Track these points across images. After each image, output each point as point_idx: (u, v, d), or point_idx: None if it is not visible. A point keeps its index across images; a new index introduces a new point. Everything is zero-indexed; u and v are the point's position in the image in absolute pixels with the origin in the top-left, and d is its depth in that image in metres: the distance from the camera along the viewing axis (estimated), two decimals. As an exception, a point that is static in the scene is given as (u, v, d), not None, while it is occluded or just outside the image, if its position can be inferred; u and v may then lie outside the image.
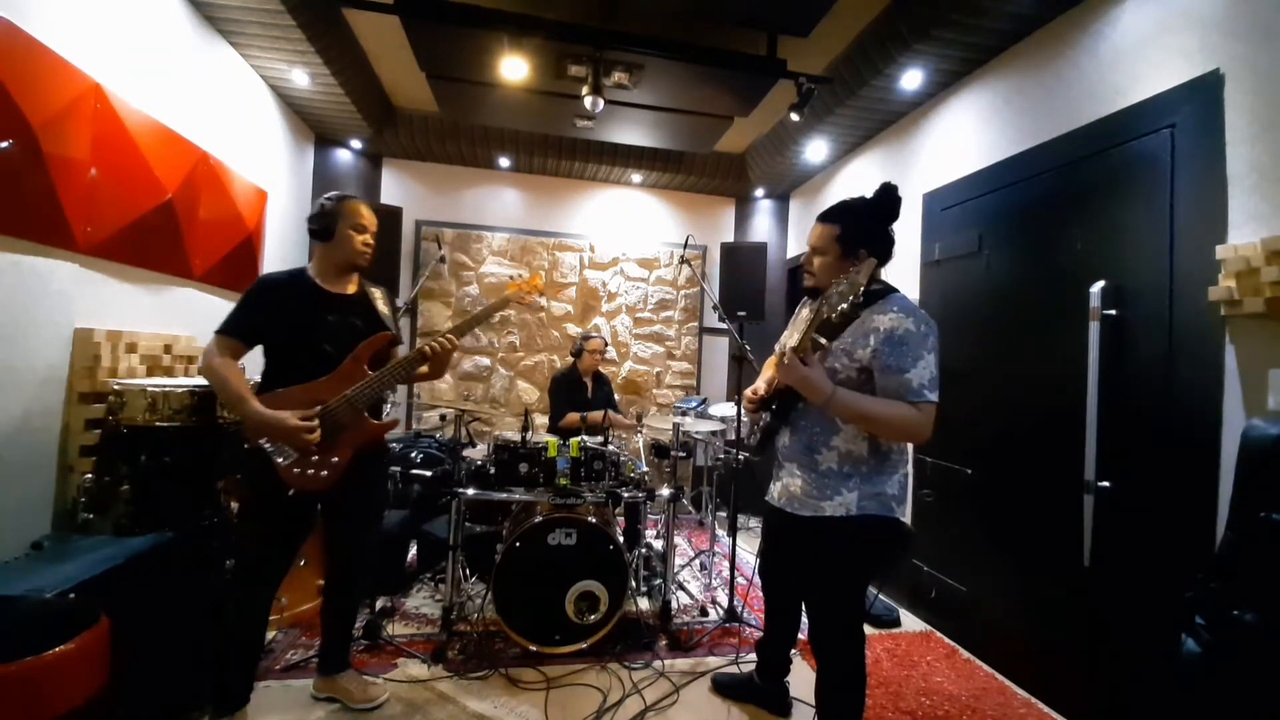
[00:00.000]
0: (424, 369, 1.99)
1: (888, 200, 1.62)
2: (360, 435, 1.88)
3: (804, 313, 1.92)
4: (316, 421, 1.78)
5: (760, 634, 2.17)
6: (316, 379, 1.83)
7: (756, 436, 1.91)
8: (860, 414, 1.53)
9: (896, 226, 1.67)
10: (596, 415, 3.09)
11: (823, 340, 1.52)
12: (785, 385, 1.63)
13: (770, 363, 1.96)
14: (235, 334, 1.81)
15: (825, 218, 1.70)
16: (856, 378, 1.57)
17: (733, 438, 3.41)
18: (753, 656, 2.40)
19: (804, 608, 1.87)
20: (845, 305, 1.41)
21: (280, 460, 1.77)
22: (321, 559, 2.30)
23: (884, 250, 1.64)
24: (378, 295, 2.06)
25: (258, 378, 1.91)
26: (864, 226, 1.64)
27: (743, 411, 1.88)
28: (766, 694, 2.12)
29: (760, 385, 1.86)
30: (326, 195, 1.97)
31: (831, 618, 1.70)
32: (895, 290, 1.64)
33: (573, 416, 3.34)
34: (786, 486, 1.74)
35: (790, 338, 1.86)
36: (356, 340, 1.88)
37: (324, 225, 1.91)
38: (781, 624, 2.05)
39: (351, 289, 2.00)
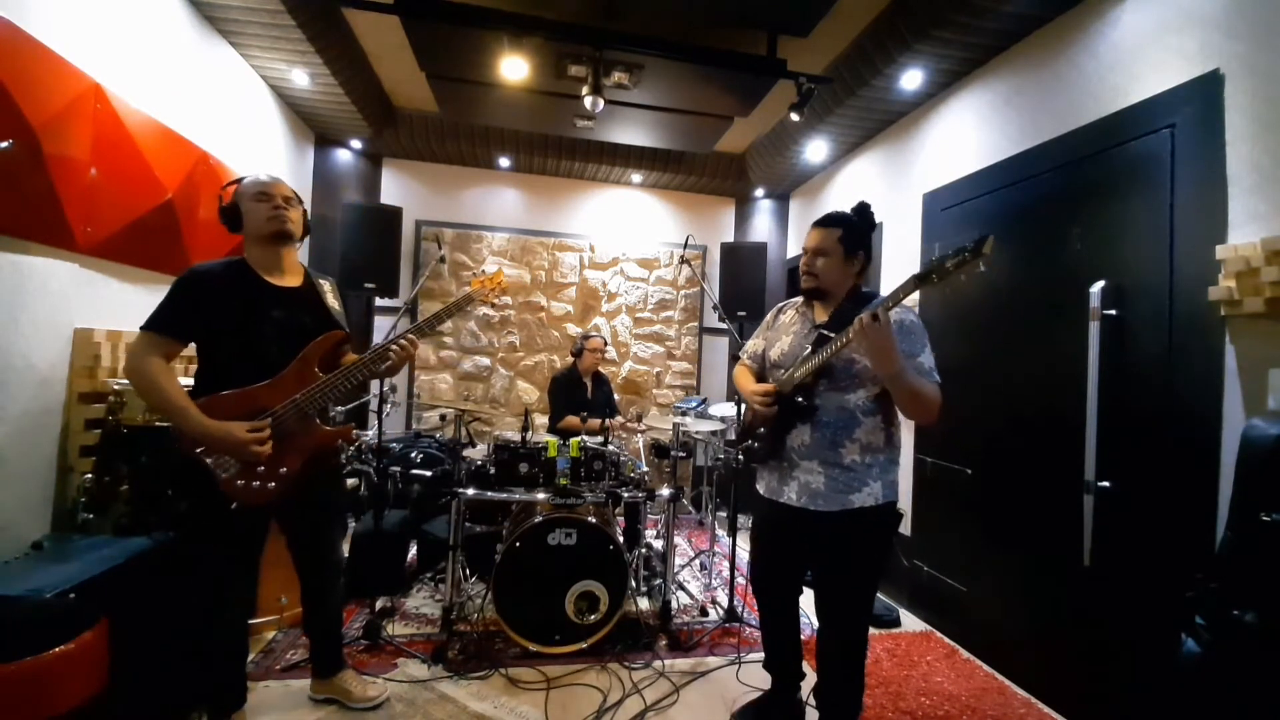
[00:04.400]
0: (383, 367, 1.85)
1: (869, 214, 1.82)
2: (310, 443, 1.74)
3: (784, 318, 1.97)
4: (267, 432, 1.63)
5: (764, 646, 2.07)
6: (260, 382, 1.67)
7: (758, 441, 1.88)
8: (913, 389, 1.58)
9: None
10: (595, 424, 3.08)
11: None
12: (808, 379, 1.71)
13: (743, 370, 2.03)
14: (165, 331, 1.63)
15: (825, 223, 1.81)
16: (872, 367, 1.65)
17: (733, 437, 3.41)
18: (752, 657, 2.40)
19: (818, 606, 1.82)
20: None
21: (221, 473, 1.61)
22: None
23: (870, 256, 1.85)
24: (327, 288, 1.91)
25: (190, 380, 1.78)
26: (860, 231, 1.79)
27: (757, 409, 1.82)
28: (784, 708, 2.03)
29: (761, 386, 1.83)
30: (225, 184, 1.83)
31: (856, 608, 1.77)
32: (878, 292, 1.86)
33: (572, 420, 3.34)
34: (806, 485, 1.74)
35: (780, 342, 1.89)
36: (304, 340, 1.73)
37: (230, 216, 1.78)
38: (786, 629, 2.00)
39: (296, 281, 1.84)
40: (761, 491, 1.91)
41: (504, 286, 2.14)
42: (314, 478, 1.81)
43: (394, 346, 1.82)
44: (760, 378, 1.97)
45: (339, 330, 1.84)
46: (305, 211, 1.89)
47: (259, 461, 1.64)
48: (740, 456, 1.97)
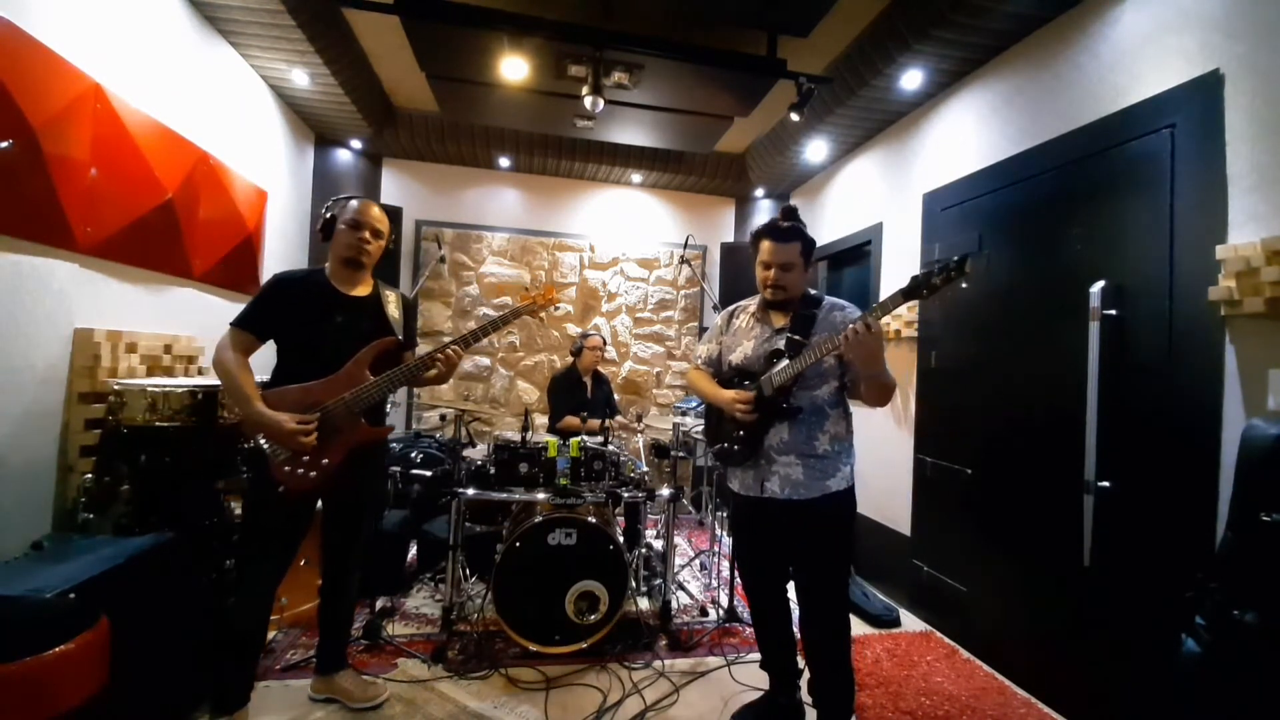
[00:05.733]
0: (428, 375, 2.00)
1: (799, 219, 1.92)
2: (352, 439, 1.88)
3: (738, 323, 2.03)
4: (315, 425, 1.79)
5: (759, 646, 2.08)
6: (318, 379, 1.84)
7: (737, 444, 1.89)
8: (886, 383, 1.73)
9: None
10: (595, 424, 3.07)
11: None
12: (789, 383, 1.77)
13: (700, 375, 2.07)
14: (248, 327, 1.85)
15: (788, 237, 1.87)
16: (835, 365, 1.84)
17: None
18: (752, 657, 2.40)
19: (801, 591, 1.88)
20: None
21: (272, 457, 1.78)
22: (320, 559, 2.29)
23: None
24: (390, 298, 2.06)
25: (267, 376, 1.91)
26: (811, 240, 1.91)
27: (738, 416, 1.84)
28: (783, 708, 2.02)
29: (738, 394, 1.84)
30: (334, 197, 2.02)
31: (838, 585, 1.88)
32: (823, 294, 1.96)
33: (571, 420, 3.34)
34: (787, 477, 1.83)
35: (743, 347, 1.94)
36: (362, 343, 1.89)
37: (323, 227, 1.97)
38: (779, 624, 2.01)
39: (364, 291, 2.00)
40: (737, 489, 1.96)
41: (555, 300, 2.21)
42: (358, 473, 1.94)
43: (439, 356, 1.94)
44: (720, 383, 2.00)
45: (392, 336, 1.97)
46: (392, 238, 2.09)
47: (305, 451, 1.79)
48: (716, 459, 2.01)
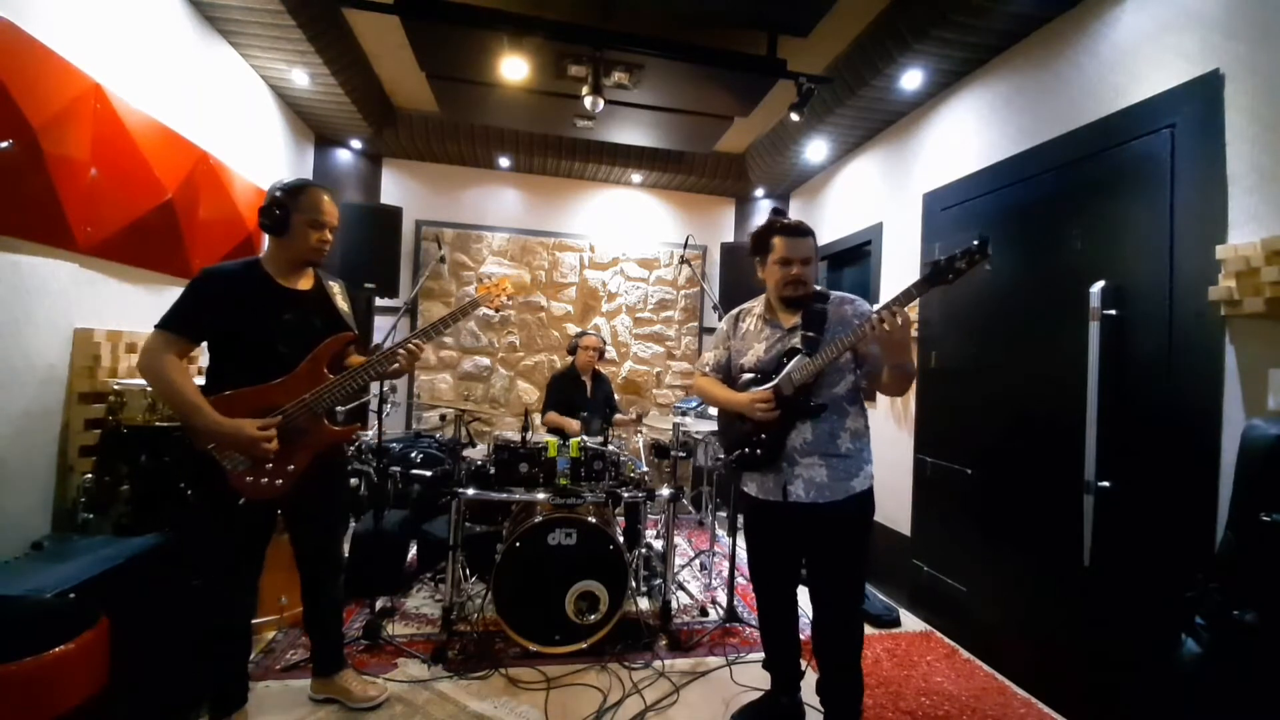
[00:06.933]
0: (391, 369, 1.90)
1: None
2: (318, 441, 1.79)
3: (745, 326, 1.99)
4: (275, 430, 1.68)
5: (764, 647, 2.08)
6: (270, 381, 1.71)
7: (760, 448, 1.84)
8: (911, 370, 1.74)
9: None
10: (575, 425, 3.05)
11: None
12: (811, 380, 1.75)
13: (709, 381, 2.03)
14: (179, 329, 1.67)
15: (804, 232, 1.86)
16: (850, 359, 1.82)
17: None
18: (752, 657, 2.41)
19: (818, 593, 1.86)
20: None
21: (230, 468, 1.66)
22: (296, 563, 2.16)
23: None
24: (336, 290, 1.96)
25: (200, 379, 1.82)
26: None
27: (759, 417, 1.79)
28: (784, 708, 2.02)
29: (755, 394, 1.80)
30: (279, 184, 1.82)
31: (857, 587, 1.88)
32: (828, 290, 1.94)
33: (554, 418, 3.39)
34: (811, 479, 1.79)
35: (754, 349, 1.91)
36: (314, 340, 1.78)
37: (276, 220, 1.77)
38: (787, 626, 2.00)
39: (307, 284, 1.89)
40: (755, 494, 1.91)
41: (509, 292, 2.15)
42: (320, 474, 1.85)
43: (401, 350, 1.86)
44: (732, 388, 1.96)
45: (349, 331, 1.89)
46: None
47: (268, 458, 1.68)
48: (736, 466, 1.94)
